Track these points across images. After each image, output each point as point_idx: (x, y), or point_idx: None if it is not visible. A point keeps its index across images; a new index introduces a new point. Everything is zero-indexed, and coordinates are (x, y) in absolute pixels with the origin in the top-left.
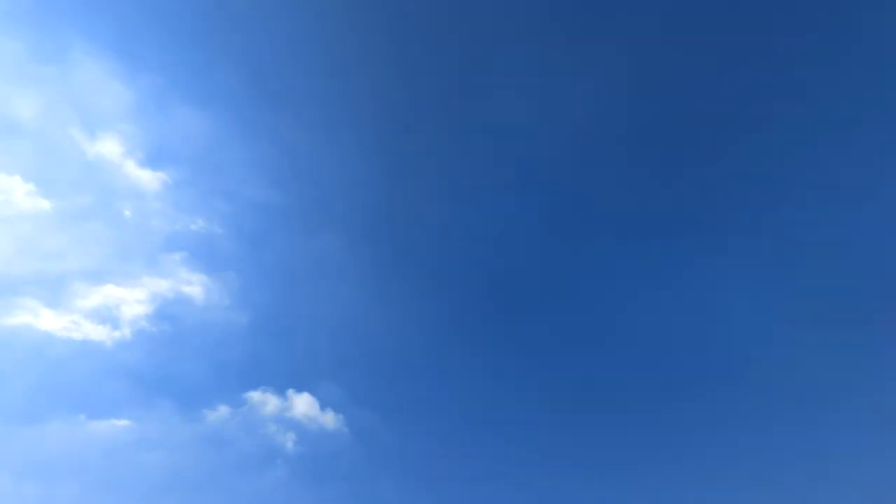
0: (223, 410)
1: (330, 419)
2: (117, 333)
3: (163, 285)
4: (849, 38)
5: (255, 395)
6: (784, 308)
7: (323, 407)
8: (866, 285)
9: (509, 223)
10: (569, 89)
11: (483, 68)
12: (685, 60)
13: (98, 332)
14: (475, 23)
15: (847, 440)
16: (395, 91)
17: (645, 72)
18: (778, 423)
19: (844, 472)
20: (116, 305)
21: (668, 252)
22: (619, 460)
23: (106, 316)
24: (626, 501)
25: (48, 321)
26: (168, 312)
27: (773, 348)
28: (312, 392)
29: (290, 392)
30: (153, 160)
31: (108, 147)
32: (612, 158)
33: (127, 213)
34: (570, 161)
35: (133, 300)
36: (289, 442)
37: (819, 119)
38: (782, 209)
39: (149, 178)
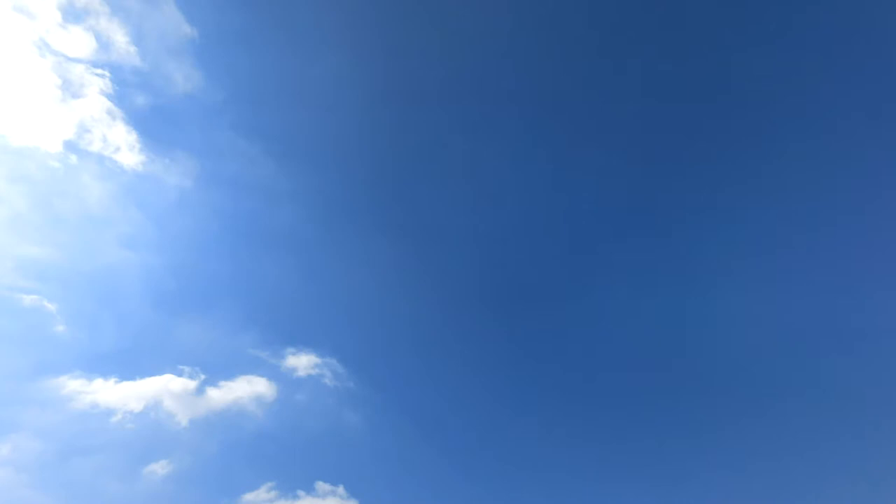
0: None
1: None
2: None
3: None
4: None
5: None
6: (788, 313)
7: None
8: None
9: (517, 225)
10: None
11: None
12: (690, 64)
13: None
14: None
15: (848, 441)
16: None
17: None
18: (782, 425)
19: (845, 473)
20: None
21: (668, 253)
22: (617, 460)
23: None
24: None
25: None
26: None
27: (776, 352)
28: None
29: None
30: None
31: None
32: (622, 154)
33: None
34: (581, 159)
35: None
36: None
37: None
38: (784, 211)
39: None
